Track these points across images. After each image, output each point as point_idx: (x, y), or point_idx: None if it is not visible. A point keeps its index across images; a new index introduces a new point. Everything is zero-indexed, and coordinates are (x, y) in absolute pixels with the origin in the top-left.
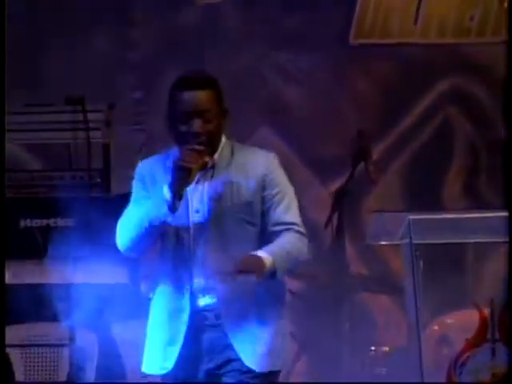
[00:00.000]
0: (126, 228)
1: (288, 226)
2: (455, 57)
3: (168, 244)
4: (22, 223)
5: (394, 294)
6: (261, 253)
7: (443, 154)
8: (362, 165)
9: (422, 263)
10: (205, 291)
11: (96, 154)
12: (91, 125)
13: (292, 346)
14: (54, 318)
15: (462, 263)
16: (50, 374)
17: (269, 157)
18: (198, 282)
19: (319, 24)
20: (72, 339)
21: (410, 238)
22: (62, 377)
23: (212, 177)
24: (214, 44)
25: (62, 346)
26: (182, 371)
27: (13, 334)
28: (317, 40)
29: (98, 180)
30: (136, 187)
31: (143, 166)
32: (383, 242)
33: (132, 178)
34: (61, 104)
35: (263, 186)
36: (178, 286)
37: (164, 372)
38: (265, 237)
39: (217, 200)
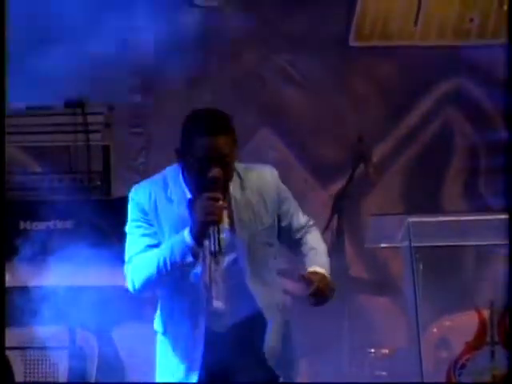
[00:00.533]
0: (143, 272)
1: (306, 227)
2: (455, 59)
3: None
4: (22, 225)
5: (393, 297)
6: (319, 269)
7: (443, 156)
8: (361, 167)
9: (421, 266)
10: (217, 319)
11: (96, 157)
12: (91, 127)
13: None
14: (54, 321)
15: (462, 266)
16: (49, 377)
17: (273, 173)
18: (212, 309)
19: (319, 26)
20: (72, 342)
21: (410, 240)
22: (62, 379)
23: (229, 207)
24: (214, 46)
25: (62, 348)
26: None
27: (12, 336)
28: (317, 42)
29: (98, 182)
30: (137, 218)
31: (140, 193)
32: (383, 245)
33: (131, 181)
34: (60, 106)
35: (279, 205)
36: (196, 315)
37: None
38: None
39: (242, 230)
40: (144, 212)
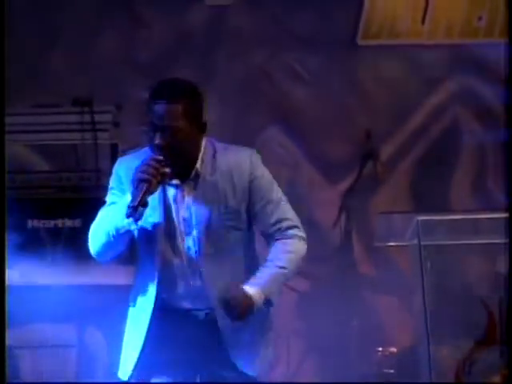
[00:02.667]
0: (96, 234)
1: (281, 224)
2: (463, 57)
3: (152, 252)
4: (30, 224)
5: (401, 295)
6: (251, 289)
7: (451, 154)
8: (369, 165)
9: (429, 264)
10: (195, 296)
11: (103, 155)
12: (99, 126)
13: (299, 346)
14: (62, 319)
15: (470, 264)
16: (57, 375)
17: (252, 157)
18: (190, 287)
19: (327, 24)
20: (80, 340)
21: (419, 238)
22: (71, 378)
23: (196, 187)
24: (222, 44)
25: (71, 346)
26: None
27: (21, 334)
28: (325, 40)
29: (106, 181)
30: (113, 186)
31: (121, 165)
32: (391, 243)
33: None
34: (68, 105)
35: (250, 191)
36: (151, 291)
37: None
38: (253, 240)
39: (204, 210)
40: (120, 181)
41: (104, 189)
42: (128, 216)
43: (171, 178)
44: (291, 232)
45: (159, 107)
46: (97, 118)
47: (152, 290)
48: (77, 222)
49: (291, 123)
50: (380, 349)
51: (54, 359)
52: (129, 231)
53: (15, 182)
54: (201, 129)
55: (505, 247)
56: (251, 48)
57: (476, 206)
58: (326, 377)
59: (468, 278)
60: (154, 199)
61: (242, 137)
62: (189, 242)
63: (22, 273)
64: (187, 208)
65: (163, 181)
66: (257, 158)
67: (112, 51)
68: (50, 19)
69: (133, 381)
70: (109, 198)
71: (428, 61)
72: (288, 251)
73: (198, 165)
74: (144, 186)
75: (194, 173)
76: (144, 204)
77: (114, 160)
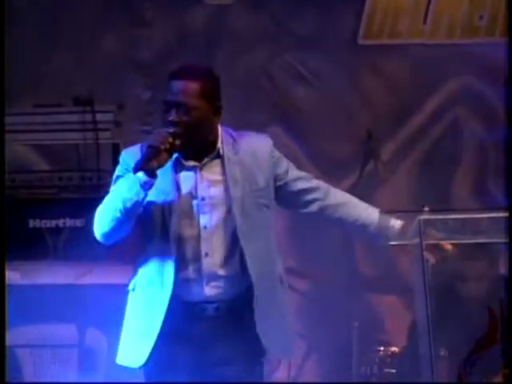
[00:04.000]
0: (102, 213)
1: (317, 188)
2: (464, 56)
3: (163, 234)
4: (31, 224)
5: (403, 295)
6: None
7: (453, 153)
8: (371, 164)
9: (430, 263)
10: (209, 280)
11: (105, 155)
12: (100, 125)
13: (301, 346)
14: (64, 319)
15: (472, 263)
16: (59, 375)
17: (268, 140)
18: (204, 271)
19: (329, 24)
20: (82, 340)
21: (420, 238)
22: (72, 378)
23: (221, 164)
24: (223, 44)
25: (72, 346)
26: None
27: (22, 334)
28: (326, 40)
29: (107, 181)
30: (119, 174)
31: (128, 154)
32: (393, 243)
33: None
34: (70, 104)
35: (274, 166)
36: (165, 277)
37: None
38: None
39: (234, 188)
40: (128, 169)
41: (106, 188)
42: (141, 184)
43: (187, 160)
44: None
45: (176, 84)
46: (98, 117)
47: (168, 276)
48: (78, 222)
49: (292, 123)
50: (381, 348)
51: (55, 359)
52: (136, 206)
53: (16, 182)
54: (216, 111)
55: (505, 247)
56: (252, 47)
57: (477, 206)
58: (327, 377)
59: (469, 278)
60: (165, 180)
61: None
62: (204, 221)
63: (23, 273)
64: (208, 187)
65: (172, 152)
66: (271, 142)
67: (113, 50)
68: (50, 19)
69: (144, 371)
70: (114, 186)
71: (429, 60)
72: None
73: (219, 145)
74: (150, 151)
75: (216, 152)
76: (152, 174)
77: (115, 159)
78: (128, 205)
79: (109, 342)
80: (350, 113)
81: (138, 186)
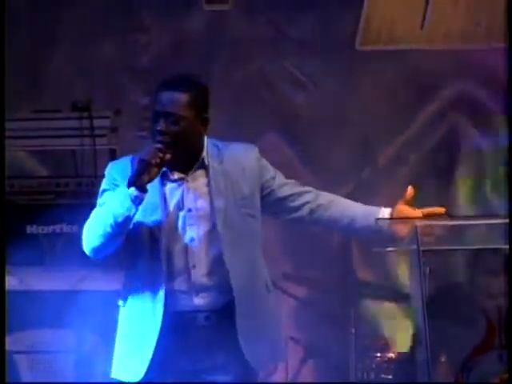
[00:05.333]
0: (92, 228)
1: (305, 192)
2: (462, 62)
3: (152, 248)
4: (28, 229)
5: (400, 301)
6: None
7: (450, 159)
8: (367, 170)
9: (428, 270)
10: (198, 291)
11: (102, 160)
12: (97, 131)
13: (298, 352)
14: (61, 325)
15: (469, 269)
16: (56, 381)
17: (254, 149)
18: (192, 282)
19: (326, 30)
20: (79, 346)
21: (418, 245)
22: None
23: (206, 175)
24: (221, 49)
25: (69, 352)
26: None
27: (19, 340)
28: (324, 46)
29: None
30: (106, 188)
31: (114, 168)
32: (389, 249)
33: None
34: (67, 110)
35: (259, 174)
36: (156, 290)
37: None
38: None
39: (219, 198)
40: (114, 182)
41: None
42: (131, 199)
43: (172, 171)
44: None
45: (165, 94)
46: (95, 123)
47: (159, 289)
48: (75, 228)
49: (290, 128)
50: (378, 354)
51: (52, 365)
52: (127, 221)
53: (13, 187)
54: (204, 122)
55: (505, 253)
56: (250, 53)
57: (475, 212)
58: (324, 383)
59: (466, 283)
60: (153, 194)
61: (239, 142)
62: (192, 233)
63: (20, 279)
64: (194, 199)
65: (162, 166)
66: (257, 150)
67: (110, 56)
68: (48, 25)
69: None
70: (101, 200)
71: (427, 66)
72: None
73: (204, 155)
74: (142, 165)
75: (200, 163)
76: (143, 188)
77: None
78: (119, 220)
79: (106, 348)
80: (347, 118)
81: (130, 201)
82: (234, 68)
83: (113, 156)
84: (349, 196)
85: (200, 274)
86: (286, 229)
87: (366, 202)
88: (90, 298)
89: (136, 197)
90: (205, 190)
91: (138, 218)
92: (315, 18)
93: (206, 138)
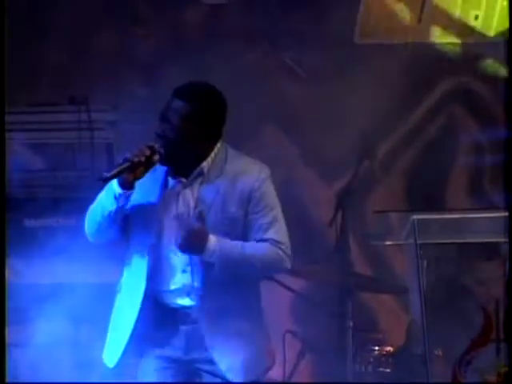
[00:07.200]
0: (90, 214)
1: (267, 241)
2: (459, 56)
3: (143, 243)
4: (26, 222)
5: (397, 294)
6: (213, 238)
7: (448, 153)
8: (366, 164)
9: (425, 263)
10: (190, 293)
11: (100, 154)
12: (95, 125)
13: (295, 345)
14: (59, 318)
15: (467, 263)
16: (54, 374)
17: (261, 172)
18: (183, 285)
19: (325, 23)
20: (76, 338)
21: (415, 238)
22: (66, 376)
23: (201, 184)
24: (218, 42)
25: (66, 345)
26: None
27: (17, 333)
28: (322, 39)
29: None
30: None
31: None
32: (387, 242)
33: None
34: (65, 104)
35: (249, 200)
36: (139, 284)
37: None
38: None
39: (204, 208)
40: None
41: (100, 187)
42: (102, 180)
43: (176, 173)
44: (275, 248)
45: (173, 101)
46: (93, 116)
47: (142, 281)
48: (73, 221)
49: (287, 122)
50: (376, 348)
51: (50, 357)
52: (112, 215)
53: (12, 181)
54: (209, 136)
55: (504, 247)
56: (248, 46)
57: (472, 205)
58: (322, 376)
59: (464, 277)
60: (153, 191)
61: (238, 135)
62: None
63: (18, 271)
64: (185, 205)
65: (150, 165)
66: (266, 174)
67: (109, 50)
68: (46, 17)
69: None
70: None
71: (424, 59)
72: (261, 251)
73: (204, 165)
74: (125, 163)
75: (197, 172)
76: (128, 186)
77: (110, 159)
78: (105, 213)
79: (104, 340)
80: (345, 112)
81: (113, 198)
82: (232, 61)
83: (111, 150)
84: (347, 189)
85: (189, 278)
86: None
87: (363, 195)
88: (87, 291)
89: (120, 194)
90: (192, 199)
91: (135, 211)
92: (314, 10)
93: (218, 146)
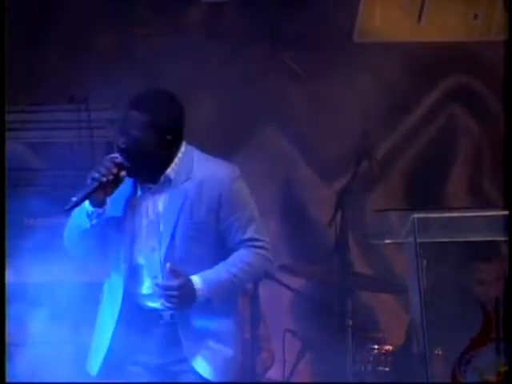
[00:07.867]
0: (66, 234)
1: (246, 242)
2: (459, 55)
3: (119, 250)
4: (26, 222)
5: (397, 293)
6: (197, 281)
7: (447, 152)
8: (365, 163)
9: (425, 262)
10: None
11: (99, 153)
12: (95, 123)
13: (295, 344)
14: (58, 317)
15: (467, 261)
16: (53, 373)
17: (229, 173)
18: (156, 288)
19: (324, 22)
20: (76, 338)
21: (415, 236)
22: (66, 375)
23: (165, 192)
24: (218, 42)
25: (66, 344)
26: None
27: (17, 332)
28: (321, 38)
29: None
30: None
31: None
32: (387, 241)
33: None
34: (65, 103)
35: (219, 205)
36: (117, 288)
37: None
38: (223, 254)
39: (171, 217)
40: None
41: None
42: (68, 209)
43: (143, 181)
44: (255, 250)
45: (129, 113)
46: (93, 115)
47: (120, 287)
48: None
49: (287, 122)
50: (376, 347)
51: (49, 357)
52: (85, 232)
53: (11, 180)
54: (167, 144)
55: (505, 246)
56: (247, 46)
57: (472, 204)
58: (321, 375)
59: (464, 276)
60: (122, 199)
61: (237, 135)
62: (153, 244)
63: (17, 271)
64: (154, 212)
65: (118, 182)
66: (235, 175)
67: (108, 49)
68: (46, 17)
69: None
70: None
71: (424, 59)
72: (246, 262)
73: (169, 171)
74: (93, 183)
75: (162, 178)
76: (99, 204)
77: None
78: (80, 231)
79: None
80: (344, 111)
81: (86, 216)
82: (232, 60)
83: (110, 148)
84: (346, 188)
85: (161, 282)
86: (283, 221)
87: (363, 195)
88: (87, 290)
89: (92, 212)
90: (161, 205)
91: (108, 221)
92: (313, 10)
93: (182, 150)
